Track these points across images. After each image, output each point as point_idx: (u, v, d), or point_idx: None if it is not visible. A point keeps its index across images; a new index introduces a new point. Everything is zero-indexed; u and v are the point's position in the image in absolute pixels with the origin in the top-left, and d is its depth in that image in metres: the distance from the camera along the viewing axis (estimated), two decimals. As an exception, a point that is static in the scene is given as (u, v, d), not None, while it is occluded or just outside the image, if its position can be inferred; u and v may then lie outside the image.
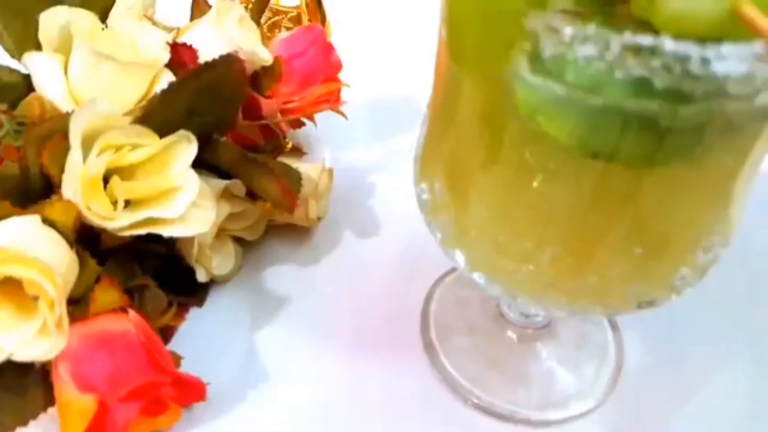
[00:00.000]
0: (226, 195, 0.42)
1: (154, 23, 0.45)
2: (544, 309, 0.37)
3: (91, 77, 0.39)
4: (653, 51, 0.21)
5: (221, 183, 0.41)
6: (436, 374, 0.40)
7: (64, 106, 0.39)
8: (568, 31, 0.22)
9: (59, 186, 0.36)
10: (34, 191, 0.36)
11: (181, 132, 0.36)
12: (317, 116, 0.51)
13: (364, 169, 0.53)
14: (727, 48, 0.21)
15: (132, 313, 0.35)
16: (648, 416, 0.39)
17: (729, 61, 0.21)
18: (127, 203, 0.37)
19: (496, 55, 0.24)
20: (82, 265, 0.35)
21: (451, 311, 0.43)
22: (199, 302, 0.43)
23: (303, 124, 0.51)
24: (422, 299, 0.44)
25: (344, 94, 0.51)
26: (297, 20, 0.55)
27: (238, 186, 0.42)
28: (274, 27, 0.55)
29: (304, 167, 0.45)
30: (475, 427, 0.38)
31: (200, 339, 0.41)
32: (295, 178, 0.42)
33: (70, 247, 0.35)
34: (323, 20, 0.54)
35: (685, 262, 0.28)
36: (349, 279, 0.45)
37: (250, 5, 0.48)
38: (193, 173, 0.36)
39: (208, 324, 0.42)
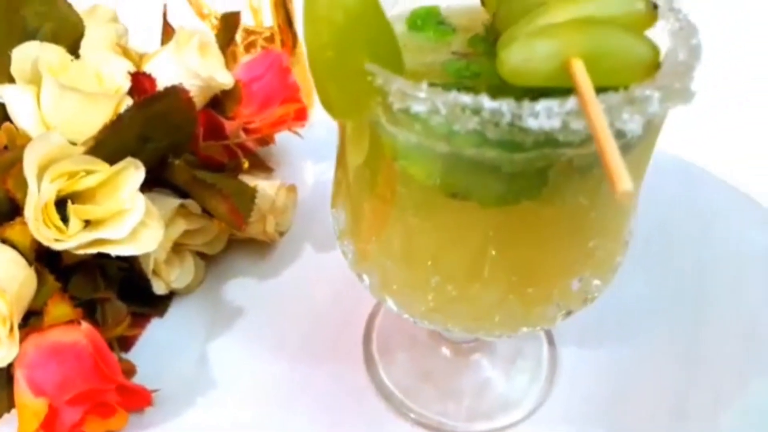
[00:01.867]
0: (183, 213, 0.46)
1: (125, 51, 0.50)
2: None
3: (59, 107, 0.44)
4: (475, 109, 0.24)
5: (175, 202, 0.45)
6: (373, 386, 0.44)
7: (36, 133, 0.45)
8: (401, 91, 0.25)
9: (24, 209, 0.41)
10: (1, 214, 0.41)
11: (129, 159, 0.41)
12: (296, 133, 0.55)
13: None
14: (540, 104, 0.24)
15: (84, 324, 0.40)
16: (573, 431, 0.41)
17: (542, 117, 0.24)
18: (88, 223, 0.42)
19: (356, 106, 0.27)
20: (42, 281, 0.41)
21: (393, 325, 0.46)
22: (160, 313, 0.48)
23: (271, 142, 0.55)
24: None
25: (313, 113, 0.55)
26: (271, 40, 0.59)
27: (193, 204, 0.46)
28: (251, 47, 0.60)
29: (263, 185, 0.50)
30: (404, 436, 0.42)
31: (159, 347, 0.46)
32: (248, 197, 0.47)
33: (29, 264, 0.40)
34: (294, 40, 0.58)
35: (557, 292, 0.31)
36: (305, 292, 0.49)
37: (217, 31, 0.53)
38: (140, 196, 0.41)
39: (168, 333, 0.47)
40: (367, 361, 0.45)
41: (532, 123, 0.24)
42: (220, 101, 0.50)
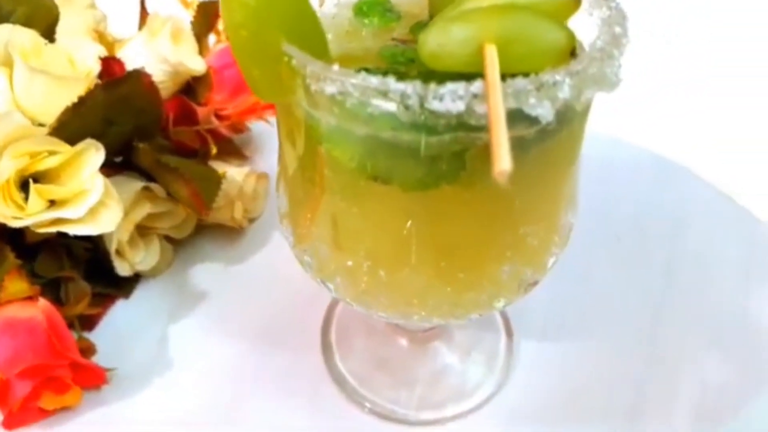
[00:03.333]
0: (148, 196, 0.47)
1: (101, 37, 0.51)
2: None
3: (29, 89, 0.46)
4: (383, 91, 0.25)
5: (139, 184, 0.46)
6: (328, 372, 0.44)
7: (7, 114, 0.46)
8: (314, 72, 0.26)
9: (-12, 187, 0.42)
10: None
11: (89, 140, 0.42)
12: (267, 122, 0.56)
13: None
14: (446, 87, 0.25)
15: (42, 301, 0.42)
16: (522, 424, 0.42)
17: (446, 100, 0.25)
18: (54, 203, 0.43)
19: (280, 88, 0.28)
20: (1, 257, 0.42)
21: (354, 313, 0.47)
22: (125, 294, 0.49)
23: (245, 129, 0.56)
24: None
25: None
26: (253, 28, 0.60)
27: (159, 188, 0.48)
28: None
29: (232, 171, 0.51)
30: (357, 424, 0.42)
31: (123, 328, 0.47)
32: (213, 182, 0.48)
33: (-11, 241, 0.42)
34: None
35: (486, 279, 0.32)
36: (271, 278, 0.50)
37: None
38: (100, 177, 0.42)
39: (133, 314, 0.48)
40: (324, 348, 0.46)
41: (437, 105, 0.25)
42: (192, 87, 0.52)
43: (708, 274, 0.49)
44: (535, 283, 0.34)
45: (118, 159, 0.49)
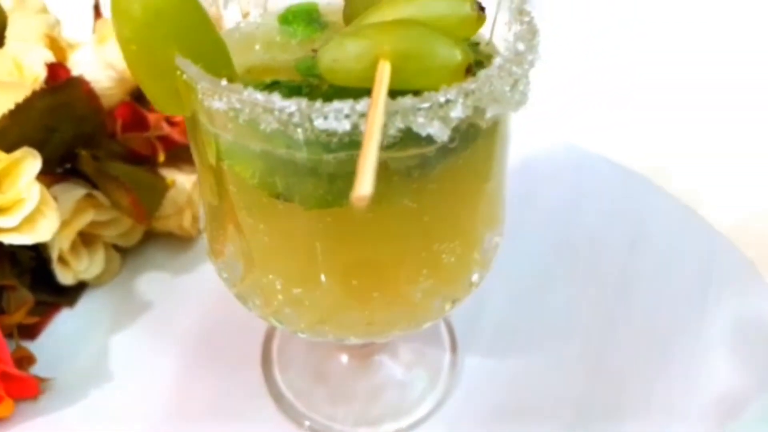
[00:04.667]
0: (92, 203, 0.47)
1: (53, 42, 0.51)
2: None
3: (-27, 94, 0.46)
4: (269, 108, 0.25)
5: (81, 192, 0.46)
6: (265, 385, 0.44)
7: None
8: (204, 87, 0.26)
9: (-74, 194, 0.42)
10: None
11: (26, 148, 0.42)
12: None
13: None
14: (331, 105, 0.24)
15: (-25, 310, 0.42)
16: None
17: (330, 118, 0.24)
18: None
19: (178, 102, 0.28)
20: (-64, 265, 0.42)
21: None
22: (70, 303, 0.49)
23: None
24: (279, 312, 0.48)
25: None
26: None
27: (102, 195, 0.47)
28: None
29: (181, 179, 0.51)
30: (291, 439, 0.42)
31: (65, 337, 0.47)
32: (158, 191, 0.48)
33: (-77, 249, 0.42)
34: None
35: (401, 298, 0.31)
36: (218, 289, 0.48)
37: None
38: (36, 185, 0.42)
39: (76, 324, 0.48)
40: (263, 361, 0.45)
41: (322, 124, 0.24)
42: (143, 93, 0.51)
43: (664, 288, 0.49)
44: (457, 301, 0.33)
45: (67, 166, 0.49)
